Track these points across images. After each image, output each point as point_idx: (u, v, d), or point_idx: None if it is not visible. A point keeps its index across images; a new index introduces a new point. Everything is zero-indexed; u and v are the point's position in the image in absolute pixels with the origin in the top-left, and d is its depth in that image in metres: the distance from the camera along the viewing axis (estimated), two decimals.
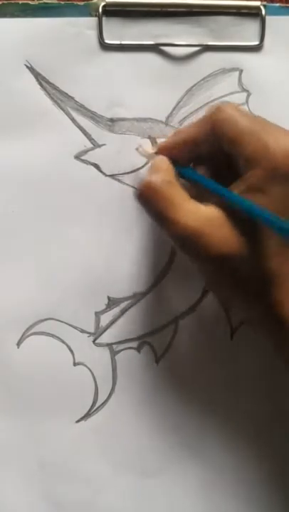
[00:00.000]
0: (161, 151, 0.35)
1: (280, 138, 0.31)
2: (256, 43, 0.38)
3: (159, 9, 0.37)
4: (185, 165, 0.34)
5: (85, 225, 0.38)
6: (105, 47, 0.37)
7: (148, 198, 0.32)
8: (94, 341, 0.38)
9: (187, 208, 0.31)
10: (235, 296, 0.33)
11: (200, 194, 0.33)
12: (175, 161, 0.34)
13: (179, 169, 0.34)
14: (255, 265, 0.31)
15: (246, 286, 0.32)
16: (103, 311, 0.38)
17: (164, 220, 0.32)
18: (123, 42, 0.37)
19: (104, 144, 0.38)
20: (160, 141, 0.38)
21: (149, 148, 0.37)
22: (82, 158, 0.38)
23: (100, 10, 0.37)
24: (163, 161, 0.34)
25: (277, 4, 0.38)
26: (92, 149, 0.38)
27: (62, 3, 0.37)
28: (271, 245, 0.31)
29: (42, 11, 0.37)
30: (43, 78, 0.37)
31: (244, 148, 0.31)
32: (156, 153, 0.35)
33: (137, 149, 0.37)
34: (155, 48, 0.38)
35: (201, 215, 0.31)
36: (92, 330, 0.38)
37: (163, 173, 0.33)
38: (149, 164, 0.35)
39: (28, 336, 0.38)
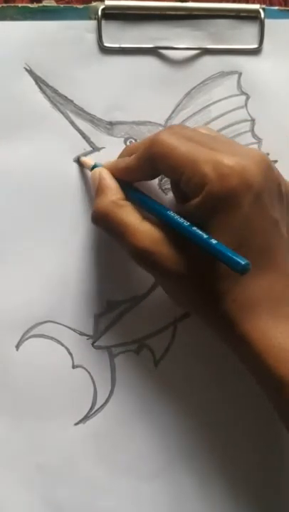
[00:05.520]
0: (108, 168, 0.35)
1: (217, 162, 0.30)
2: (255, 46, 0.38)
3: (158, 12, 0.37)
4: (129, 184, 0.35)
5: (84, 228, 0.38)
6: (104, 50, 0.37)
7: (101, 222, 0.34)
8: (93, 344, 0.38)
9: (139, 230, 0.32)
10: (188, 306, 0.35)
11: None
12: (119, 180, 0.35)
13: (123, 189, 0.34)
14: (202, 283, 0.32)
15: (196, 300, 0.33)
16: (102, 314, 0.38)
17: (119, 240, 0.33)
18: (122, 45, 0.37)
19: (103, 148, 0.38)
20: None
21: (89, 160, 0.37)
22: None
23: (100, 13, 0.37)
24: (107, 179, 0.34)
25: (276, 7, 0.38)
26: (91, 152, 0.38)
27: (62, 6, 0.37)
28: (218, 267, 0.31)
29: (41, 14, 0.37)
30: (43, 81, 0.37)
31: (183, 180, 0.31)
32: (94, 167, 0.35)
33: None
34: (154, 52, 0.38)
35: (152, 235, 0.32)
36: (91, 333, 0.38)
37: (110, 194, 0.34)
38: (92, 181, 0.35)
39: (27, 338, 0.38)
